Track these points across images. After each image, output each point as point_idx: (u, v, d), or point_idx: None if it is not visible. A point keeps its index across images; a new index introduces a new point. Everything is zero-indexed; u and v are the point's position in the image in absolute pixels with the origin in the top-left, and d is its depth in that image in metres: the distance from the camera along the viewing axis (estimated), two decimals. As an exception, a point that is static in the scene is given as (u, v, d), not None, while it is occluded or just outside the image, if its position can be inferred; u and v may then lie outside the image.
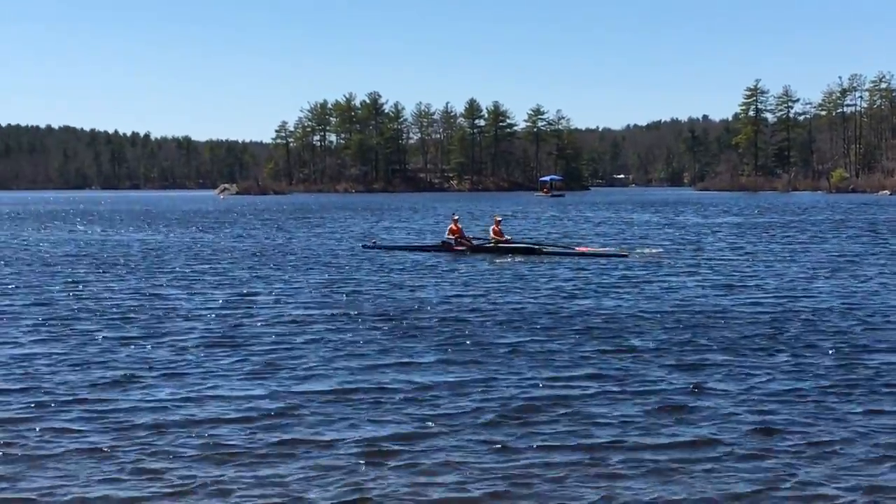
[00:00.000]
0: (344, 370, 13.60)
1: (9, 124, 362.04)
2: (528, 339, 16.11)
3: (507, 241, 34.25)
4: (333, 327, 17.34)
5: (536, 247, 33.89)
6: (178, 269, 29.18)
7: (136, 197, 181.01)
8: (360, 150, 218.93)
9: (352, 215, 75.67)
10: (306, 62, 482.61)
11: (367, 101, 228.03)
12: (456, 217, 36.23)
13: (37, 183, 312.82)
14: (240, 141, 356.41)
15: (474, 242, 34.48)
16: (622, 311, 19.34)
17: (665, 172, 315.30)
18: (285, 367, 13.84)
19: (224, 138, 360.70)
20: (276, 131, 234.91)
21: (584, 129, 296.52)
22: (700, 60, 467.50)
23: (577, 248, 34.30)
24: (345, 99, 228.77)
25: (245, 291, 22.90)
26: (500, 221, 35.53)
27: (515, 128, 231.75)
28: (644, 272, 27.10)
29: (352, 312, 19.12)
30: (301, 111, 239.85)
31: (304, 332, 16.78)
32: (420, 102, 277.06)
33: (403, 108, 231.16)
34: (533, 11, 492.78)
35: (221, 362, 14.22)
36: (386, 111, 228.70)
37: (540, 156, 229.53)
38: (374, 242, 38.92)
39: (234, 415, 11.26)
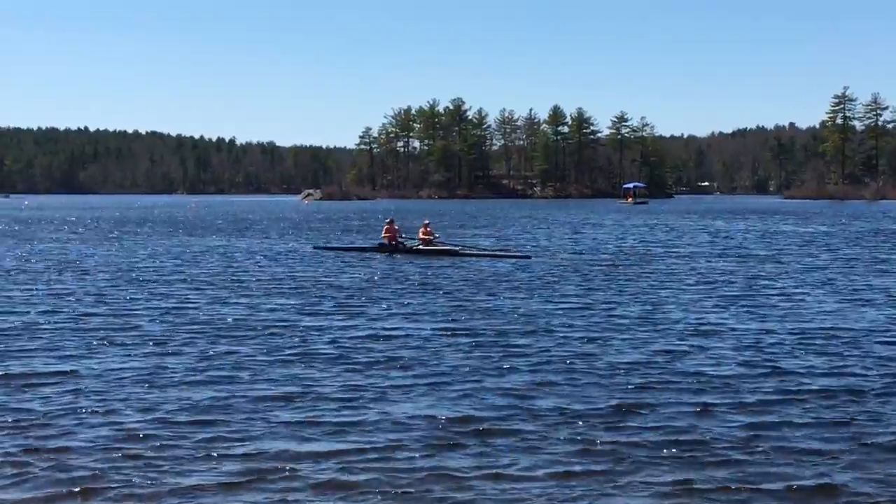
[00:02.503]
0: (493, 390, 13.30)
1: (97, 129, 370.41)
2: (675, 358, 15.75)
3: (434, 243, 37.46)
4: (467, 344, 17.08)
5: (456, 248, 37.69)
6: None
7: (235, 202, 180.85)
8: (443, 157, 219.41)
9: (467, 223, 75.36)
10: (390, 68, 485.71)
11: (451, 107, 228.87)
12: (390, 220, 39.60)
13: (124, 187, 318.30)
14: (324, 147, 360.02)
15: (407, 244, 37.87)
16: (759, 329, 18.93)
17: (750, 180, 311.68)
18: (439, 385, 13.68)
19: (308, 144, 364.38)
20: (360, 137, 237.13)
21: (668, 136, 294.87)
22: (786, 67, 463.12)
23: (487, 250, 38.54)
24: (428, 105, 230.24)
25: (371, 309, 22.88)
26: (428, 224, 38.84)
27: (599, 135, 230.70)
28: (756, 286, 26.60)
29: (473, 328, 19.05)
30: (385, 117, 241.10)
31: (431, 347, 16.62)
32: (503, 109, 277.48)
33: (487, 115, 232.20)
34: (617, 20, 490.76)
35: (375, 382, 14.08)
36: (469, 117, 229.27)
37: (623, 163, 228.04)
38: (325, 244, 43.75)
39: (407, 436, 11.09)
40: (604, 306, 22.08)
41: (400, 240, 38.20)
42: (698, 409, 12.27)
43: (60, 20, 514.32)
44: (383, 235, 38.51)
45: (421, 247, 37.28)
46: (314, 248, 41.99)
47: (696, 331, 18.43)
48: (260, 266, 33.41)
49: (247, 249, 41.84)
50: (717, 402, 12.70)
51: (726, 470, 9.98)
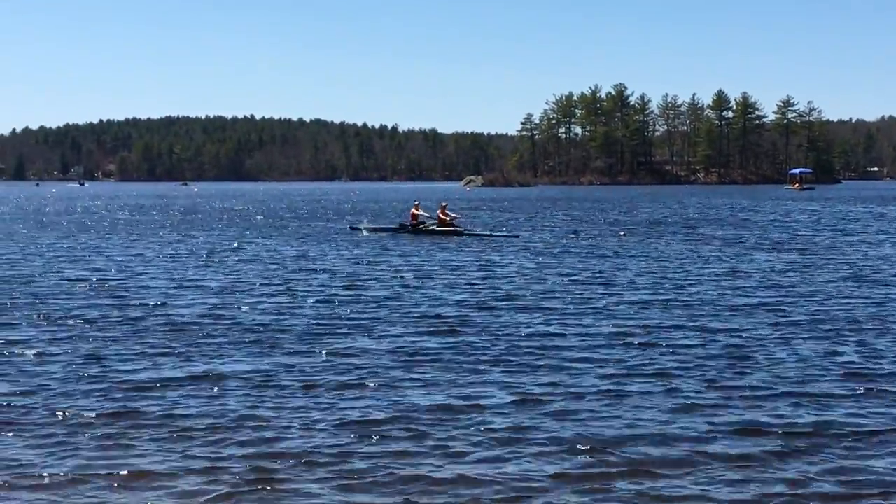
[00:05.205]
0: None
1: (262, 117, 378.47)
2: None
3: (450, 223, 41.88)
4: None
5: (461, 229, 42.04)
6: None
7: (398, 188, 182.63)
8: (605, 143, 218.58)
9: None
10: (552, 54, 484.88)
11: (613, 92, 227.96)
12: (417, 203, 45.49)
13: (288, 174, 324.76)
14: (485, 133, 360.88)
15: (428, 225, 42.28)
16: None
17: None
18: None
19: (469, 130, 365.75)
20: (522, 123, 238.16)
21: (835, 120, 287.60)
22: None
23: (486, 231, 43.99)
24: (590, 91, 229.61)
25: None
26: (445, 207, 43.56)
27: (764, 119, 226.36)
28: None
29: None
30: (546, 103, 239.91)
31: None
32: (666, 94, 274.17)
33: (650, 100, 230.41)
34: (783, 4, 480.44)
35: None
36: (632, 103, 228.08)
37: (789, 148, 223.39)
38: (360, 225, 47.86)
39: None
40: (803, 303, 20.94)
41: (424, 216, 43.37)
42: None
43: (227, 13, 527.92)
44: (411, 215, 43.64)
45: (436, 227, 41.80)
46: (351, 227, 47.26)
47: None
48: (430, 260, 31.35)
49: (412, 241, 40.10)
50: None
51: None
